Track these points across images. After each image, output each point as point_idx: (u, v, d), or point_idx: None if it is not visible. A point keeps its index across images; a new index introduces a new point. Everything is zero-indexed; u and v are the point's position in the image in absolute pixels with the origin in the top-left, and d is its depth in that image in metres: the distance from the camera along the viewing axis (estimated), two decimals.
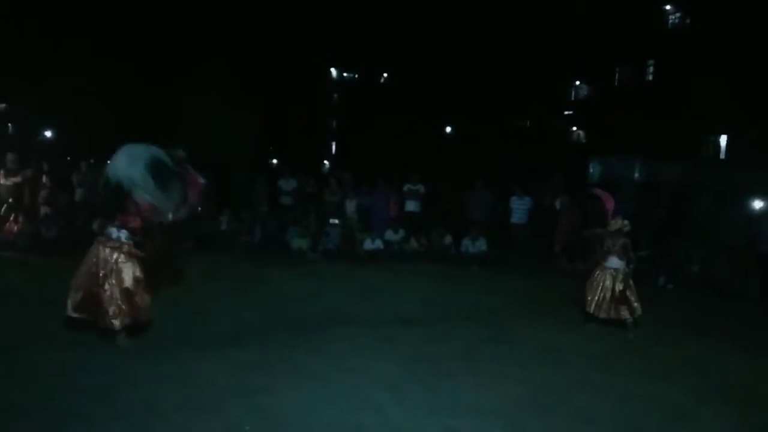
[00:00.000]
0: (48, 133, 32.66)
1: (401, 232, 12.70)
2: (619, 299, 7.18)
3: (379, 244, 12.36)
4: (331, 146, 46.87)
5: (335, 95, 46.43)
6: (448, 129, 38.33)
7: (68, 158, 17.67)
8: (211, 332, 6.28)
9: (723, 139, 26.26)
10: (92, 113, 28.26)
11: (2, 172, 12.22)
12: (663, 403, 4.92)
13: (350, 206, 13.45)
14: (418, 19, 35.38)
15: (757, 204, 12.02)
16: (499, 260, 12.09)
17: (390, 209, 13.35)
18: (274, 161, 36.85)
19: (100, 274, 5.46)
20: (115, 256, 5.50)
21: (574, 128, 36.06)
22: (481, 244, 12.25)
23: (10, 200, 11.93)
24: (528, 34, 30.80)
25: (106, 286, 5.44)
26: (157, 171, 5.53)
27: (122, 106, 29.34)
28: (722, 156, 26.18)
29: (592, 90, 34.39)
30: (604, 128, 30.39)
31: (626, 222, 7.47)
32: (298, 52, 35.52)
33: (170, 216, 5.75)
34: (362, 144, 36.31)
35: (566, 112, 35.90)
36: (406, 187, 13.54)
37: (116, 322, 5.44)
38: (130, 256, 5.55)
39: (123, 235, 5.54)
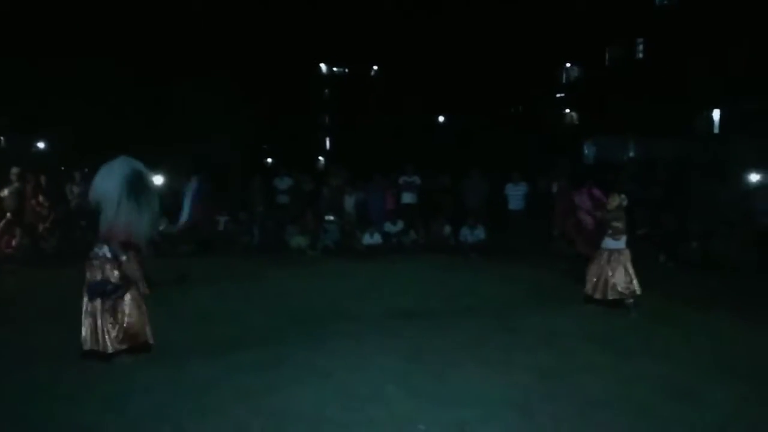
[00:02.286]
0: (41, 144, 32.53)
1: (400, 223, 12.73)
2: (615, 281, 7.18)
3: (378, 238, 12.38)
4: (325, 142, 46.80)
5: (326, 91, 46.33)
6: (441, 119, 38.26)
7: (63, 168, 17.61)
8: (215, 335, 6.28)
9: (716, 114, 26.26)
10: (84, 121, 28.14)
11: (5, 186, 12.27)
12: (669, 383, 4.93)
13: (349, 202, 13.45)
14: (405, 10, 35.28)
15: (753, 177, 12.04)
16: (498, 247, 12.12)
17: (386, 202, 13.36)
18: (269, 160, 36.79)
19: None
20: (103, 272, 5.35)
21: (567, 110, 36.06)
22: (480, 233, 12.28)
23: (8, 214, 11.90)
24: (516, 19, 30.74)
25: (100, 309, 5.31)
26: (134, 186, 5.41)
27: (113, 111, 29.22)
28: (716, 130, 26.18)
29: (583, 71, 34.35)
30: (596, 109, 30.40)
31: (623, 196, 7.46)
32: (286, 49, 35.39)
33: (147, 234, 5.62)
34: (356, 138, 36.27)
35: (558, 95, 35.88)
36: (401, 180, 13.55)
37: (111, 346, 5.29)
38: (118, 271, 5.38)
39: (107, 250, 5.38)
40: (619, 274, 7.21)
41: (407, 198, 13.48)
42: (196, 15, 31.27)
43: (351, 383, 4.91)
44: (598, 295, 7.28)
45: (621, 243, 7.34)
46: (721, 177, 12.17)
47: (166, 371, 5.13)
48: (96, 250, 5.44)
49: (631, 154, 27.16)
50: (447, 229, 12.66)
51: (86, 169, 14.65)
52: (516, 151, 23.71)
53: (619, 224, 7.32)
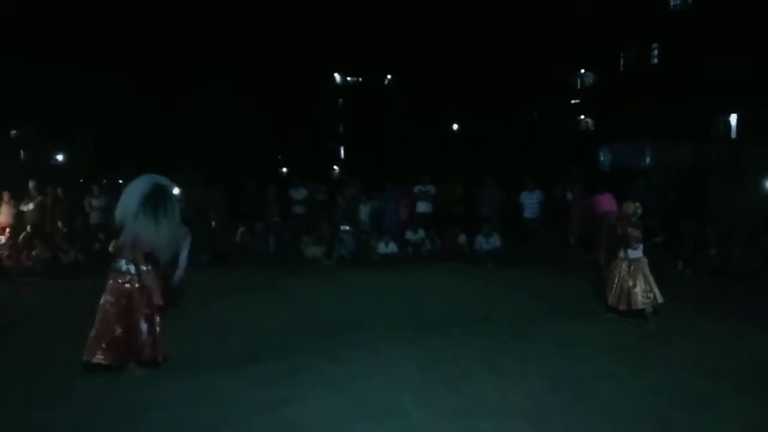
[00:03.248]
0: (59, 157, 32.99)
1: (421, 232, 12.73)
2: (638, 290, 7.12)
3: (393, 247, 12.39)
4: (339, 151, 46.95)
5: (340, 100, 46.50)
6: (455, 127, 38.24)
7: (81, 181, 17.83)
8: (231, 347, 6.31)
9: (733, 118, 26.01)
10: (102, 134, 28.50)
11: (25, 199, 12.52)
12: (687, 394, 4.88)
13: (364, 211, 13.47)
14: (419, 18, 35.40)
15: None
16: (514, 256, 12.06)
17: (401, 212, 13.37)
18: (284, 170, 37.00)
19: (118, 309, 5.40)
20: (127, 287, 5.43)
21: (582, 117, 35.89)
22: (495, 240, 12.24)
23: (28, 228, 12.08)
24: (530, 26, 30.71)
25: (125, 322, 5.39)
26: (153, 200, 5.49)
27: (131, 125, 29.57)
28: (733, 135, 25.92)
29: (598, 77, 34.19)
30: (612, 115, 30.23)
31: (638, 204, 7.42)
32: (300, 59, 35.64)
33: (168, 249, 5.66)
34: (371, 147, 36.37)
35: (573, 101, 35.73)
36: (416, 189, 13.54)
37: (142, 357, 5.41)
38: (142, 288, 5.46)
39: (131, 267, 5.46)
40: (639, 283, 7.15)
41: (422, 207, 13.45)
42: (211, 25, 31.59)
43: (367, 394, 4.92)
44: (622, 306, 7.20)
45: (639, 252, 7.30)
46: (739, 182, 12.03)
47: (183, 384, 5.17)
48: (118, 265, 5.51)
49: (648, 160, 26.97)
50: (462, 237, 12.63)
51: (104, 181, 14.84)
52: (531, 159, 23.63)
53: (636, 233, 7.27)
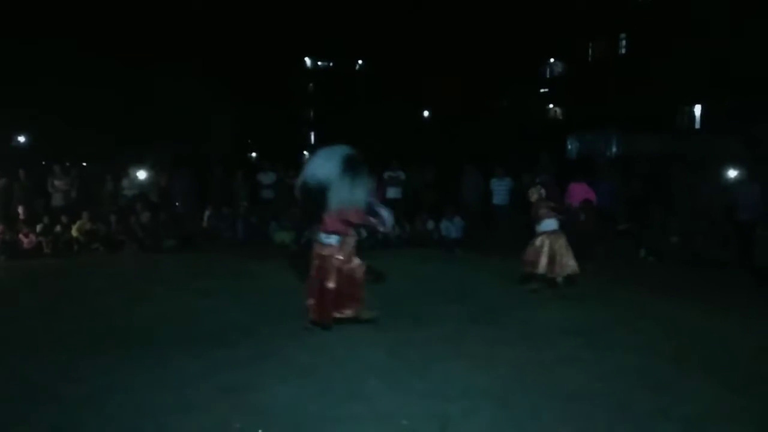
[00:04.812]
0: (21, 139, 32.17)
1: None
2: (556, 257, 7.89)
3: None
4: (309, 136, 46.65)
5: (311, 85, 46.15)
6: (426, 113, 38.27)
7: (43, 163, 17.41)
8: (197, 331, 6.25)
9: (697, 109, 26.51)
10: (65, 116, 27.83)
11: None
12: (648, 376, 4.98)
13: None
14: (391, 4, 35.27)
15: (732, 173, 12.16)
16: (482, 241, 12.15)
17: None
18: (253, 154, 36.63)
19: (332, 276, 6.00)
20: (326, 255, 5.95)
21: (551, 106, 36.22)
22: (459, 221, 12.32)
23: None
24: (500, 13, 30.82)
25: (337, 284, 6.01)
26: (350, 167, 5.88)
27: (96, 107, 28.92)
28: (697, 126, 26.43)
29: (567, 67, 34.50)
30: (580, 104, 30.57)
31: (539, 187, 8.24)
32: (271, 43, 35.24)
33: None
34: (341, 132, 36.18)
35: (542, 90, 36.03)
36: (386, 174, 13.52)
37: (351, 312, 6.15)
38: (346, 258, 5.99)
39: (333, 239, 5.94)
40: (563, 251, 7.91)
41: (392, 193, 13.45)
42: (177, 12, 31.01)
43: (334, 379, 4.91)
44: (549, 274, 7.91)
45: (554, 223, 8.01)
46: (702, 172, 12.28)
47: (148, 368, 5.11)
48: (320, 236, 6.07)
49: (614, 149, 27.39)
50: (430, 223, 12.67)
51: (67, 164, 14.51)
52: (500, 147, 23.79)
53: (545, 210, 8.04)
